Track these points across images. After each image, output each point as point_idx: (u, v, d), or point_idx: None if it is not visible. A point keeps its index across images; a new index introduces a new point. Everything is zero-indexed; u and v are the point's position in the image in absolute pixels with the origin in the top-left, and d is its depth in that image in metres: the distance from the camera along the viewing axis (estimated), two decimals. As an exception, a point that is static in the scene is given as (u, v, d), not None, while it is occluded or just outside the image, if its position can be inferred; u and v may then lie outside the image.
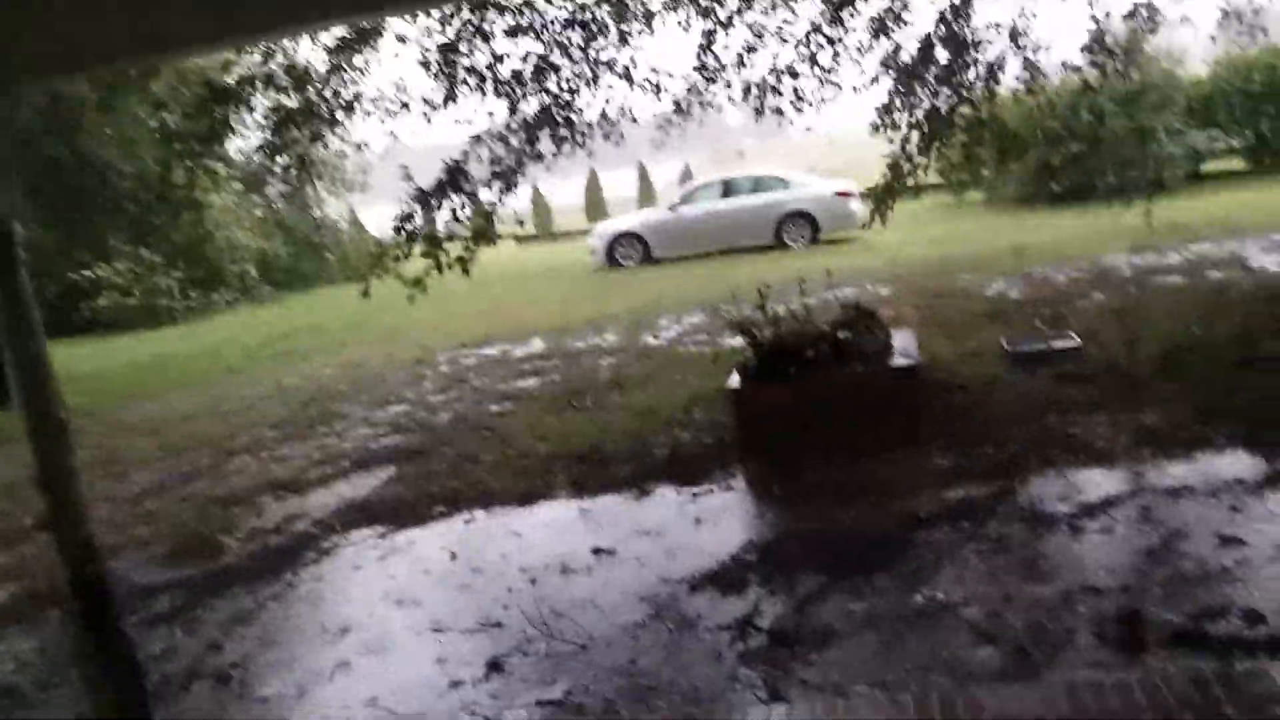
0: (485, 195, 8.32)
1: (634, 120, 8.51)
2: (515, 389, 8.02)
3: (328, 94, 8.21)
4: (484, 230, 8.12)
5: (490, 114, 8.19)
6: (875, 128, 8.68)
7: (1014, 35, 8.53)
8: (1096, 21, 8.57)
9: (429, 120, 8.18)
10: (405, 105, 8.25)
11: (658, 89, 8.37)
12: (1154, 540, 3.84)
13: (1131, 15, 8.78)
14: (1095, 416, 5.29)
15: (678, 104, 8.84)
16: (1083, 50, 8.67)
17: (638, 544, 4.58)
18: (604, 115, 8.63)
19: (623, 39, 8.28)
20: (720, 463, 5.47)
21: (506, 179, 8.08)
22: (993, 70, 8.60)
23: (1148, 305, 7.51)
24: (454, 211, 7.86)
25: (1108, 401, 5.49)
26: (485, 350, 9.93)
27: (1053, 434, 5.15)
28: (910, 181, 8.71)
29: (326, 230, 22.15)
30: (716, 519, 4.78)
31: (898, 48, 8.64)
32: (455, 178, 7.86)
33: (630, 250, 17.46)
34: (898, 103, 8.61)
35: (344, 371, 9.95)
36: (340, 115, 8.40)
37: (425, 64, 8.01)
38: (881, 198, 8.81)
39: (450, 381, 8.71)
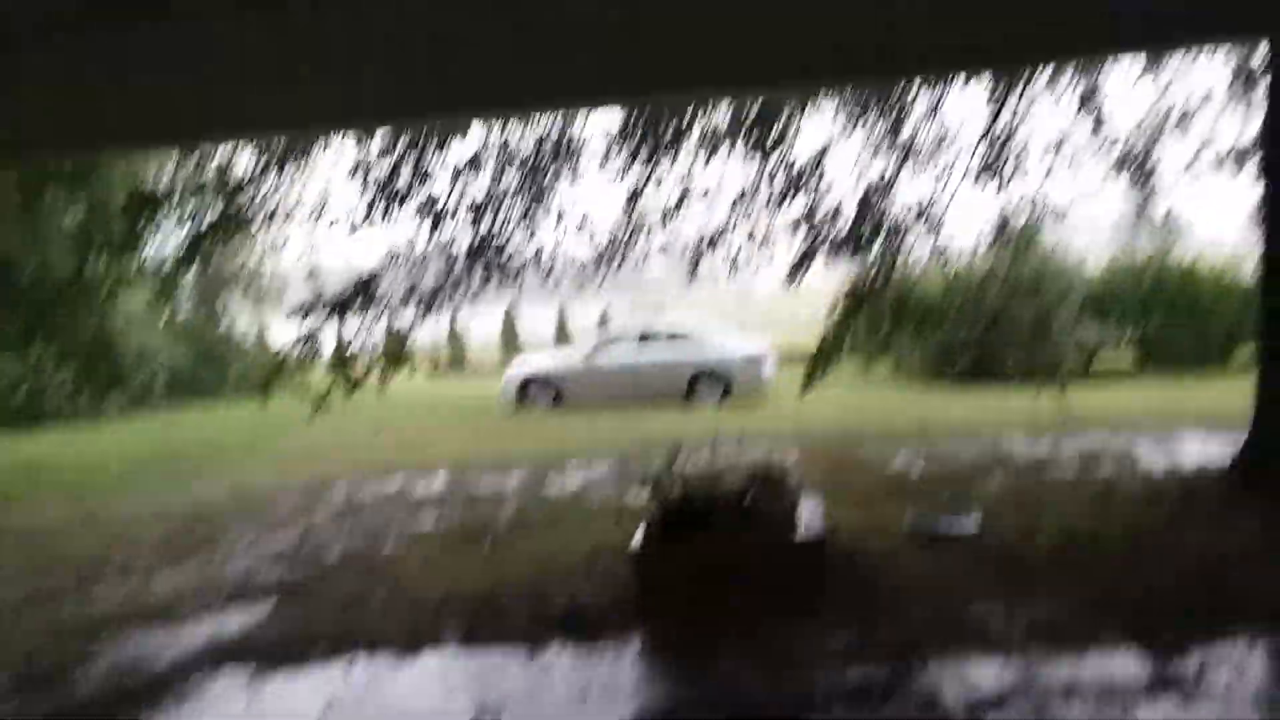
0: (401, 320, 8.28)
1: (564, 264, 8.65)
2: (413, 527, 7.76)
3: (252, 203, 8.17)
4: (396, 354, 8.04)
5: (413, 241, 8.24)
6: (788, 285, 8.97)
7: (927, 217, 9.00)
8: (1004, 213, 9.11)
9: (354, 237, 8.19)
10: (331, 222, 8.26)
11: (588, 235, 8.54)
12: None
13: (1038, 210, 9.34)
14: (992, 602, 5.30)
15: (604, 252, 9.03)
16: (990, 237, 9.19)
17: (523, 705, 4.38)
18: (536, 255, 8.76)
19: (557, 183, 8.48)
20: (618, 622, 5.31)
21: (425, 306, 8.06)
22: (908, 249, 9.02)
23: (1044, 492, 7.69)
24: (364, 332, 7.77)
25: (1004, 587, 5.52)
26: (385, 482, 9.65)
27: (952, 617, 5.14)
28: (831, 346, 8.97)
29: (234, 342, 21.67)
30: (608, 684, 4.61)
31: (812, 212, 9.03)
32: (365, 295, 7.80)
33: (543, 392, 17.42)
34: (811, 262, 8.95)
35: (233, 493, 9.54)
36: (261, 225, 8.36)
37: (357, 181, 8.06)
38: (814, 368, 9.03)
39: (345, 512, 8.41)
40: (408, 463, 10.58)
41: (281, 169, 8.09)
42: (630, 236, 9.12)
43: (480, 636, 5.25)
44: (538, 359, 19.89)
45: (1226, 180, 9.95)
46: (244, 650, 5.23)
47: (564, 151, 8.42)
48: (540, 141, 8.40)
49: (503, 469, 10.00)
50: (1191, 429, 10.26)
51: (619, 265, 9.18)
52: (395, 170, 8.13)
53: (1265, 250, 7.39)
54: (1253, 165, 9.26)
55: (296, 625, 5.59)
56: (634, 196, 8.96)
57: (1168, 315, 18.45)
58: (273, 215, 8.25)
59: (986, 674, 4.47)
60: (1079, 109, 9.40)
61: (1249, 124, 9.09)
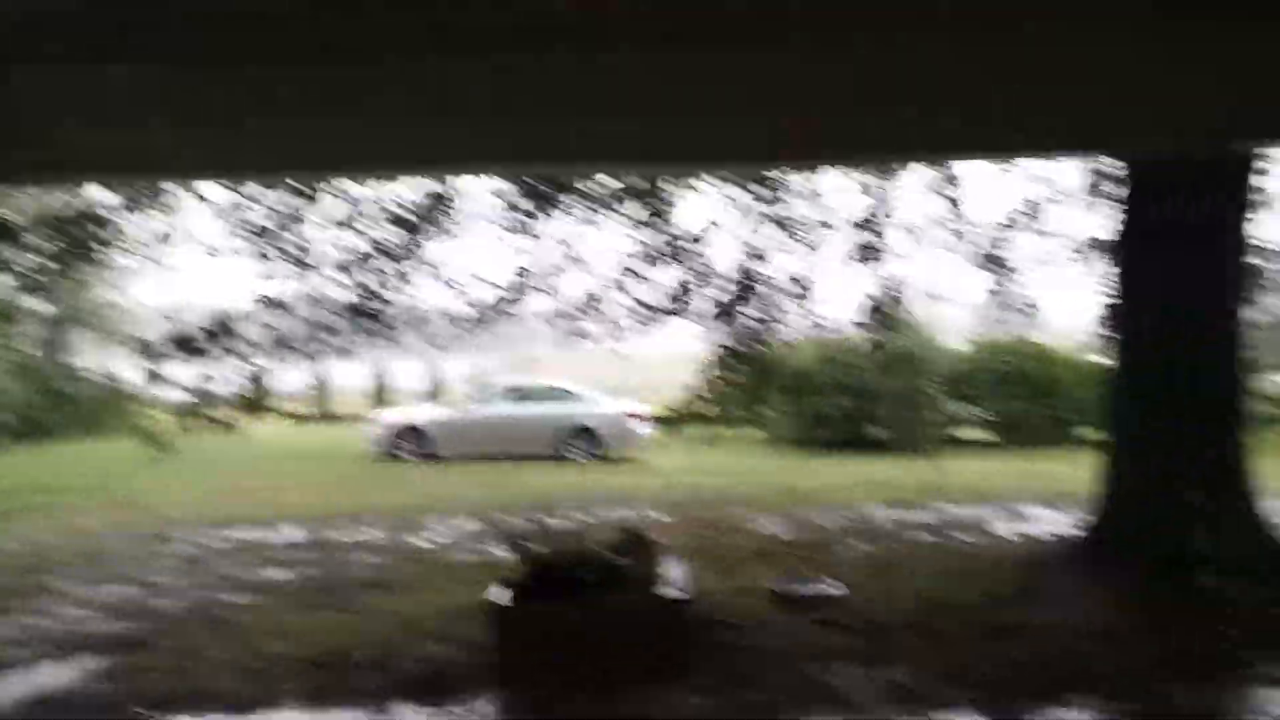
0: (263, 366, 8.00)
1: (439, 320, 8.53)
2: (261, 580, 7.39)
3: (104, 237, 7.81)
4: (254, 400, 7.74)
5: (283, 288, 8.01)
6: (664, 350, 9.07)
7: (802, 290, 9.23)
8: (875, 290, 9.41)
9: (218, 279, 7.91)
10: (191, 262, 7.97)
11: (465, 292, 8.45)
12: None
13: (907, 290, 9.69)
14: (852, 667, 5.34)
15: (481, 309, 8.95)
16: (862, 313, 9.48)
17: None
18: (411, 310, 8.61)
19: (433, 239, 8.38)
20: (473, 684, 5.13)
21: (289, 353, 7.81)
22: (782, 320, 9.22)
23: (904, 560, 7.85)
24: (220, 375, 7.47)
25: (864, 653, 5.57)
26: (234, 532, 9.19)
27: (811, 682, 5.15)
28: (699, 408, 9.05)
29: (80, 381, 20.50)
30: (462, 748, 4.43)
31: (690, 281, 9.17)
32: (222, 337, 7.51)
33: (412, 444, 17.03)
34: (688, 327, 9.07)
35: (68, 540, 8.93)
36: (113, 261, 8.01)
37: (223, 222, 7.81)
38: (677, 421, 9.09)
39: (188, 563, 7.95)
40: (262, 512, 10.12)
41: (139, 205, 7.77)
42: (508, 296, 9.08)
43: (326, 697, 4.98)
44: (410, 410, 19.49)
45: (1080, 270, 10.56)
46: (69, 707, 4.84)
47: (441, 209, 8.34)
48: (418, 199, 8.31)
49: (364, 522, 9.66)
50: (1042, 503, 10.69)
51: (495, 323, 9.10)
52: (265, 216, 7.93)
53: (1115, 343, 7.82)
54: (1104, 260, 9.86)
55: (128, 682, 5.20)
56: (513, 257, 8.95)
57: (1023, 394, 19.35)
58: (127, 251, 7.91)
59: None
60: (945, 197, 9.87)
61: (1105, 220, 9.67)
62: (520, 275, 8.92)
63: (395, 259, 8.27)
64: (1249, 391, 7.70)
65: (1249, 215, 7.52)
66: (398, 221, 8.17)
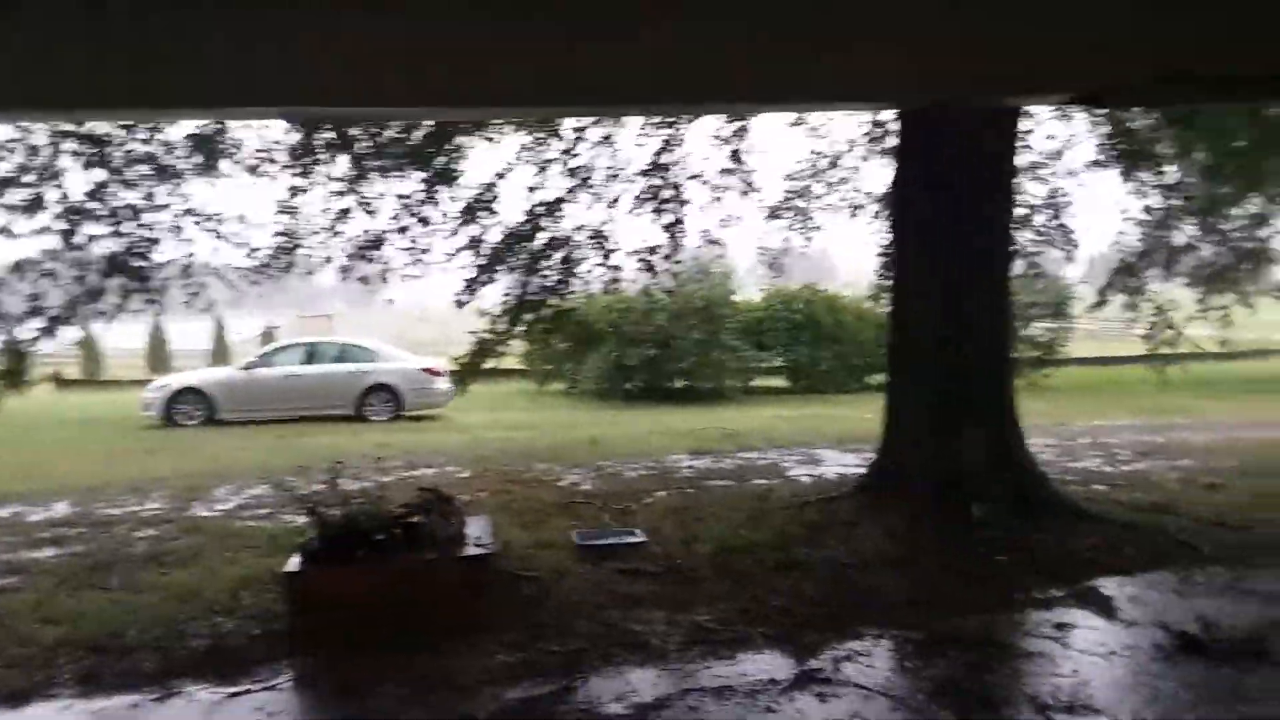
0: (22, 332, 7.31)
1: (219, 276, 8.00)
2: (25, 560, 6.78)
3: None
4: (14, 369, 7.07)
5: (41, 248, 7.30)
6: (459, 304, 8.91)
7: (599, 242, 9.23)
8: (673, 242, 9.53)
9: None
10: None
11: (243, 244, 7.95)
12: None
13: (703, 241, 9.87)
14: (654, 612, 5.45)
15: (264, 262, 8.48)
16: (660, 265, 9.58)
17: (153, 755, 3.91)
18: (186, 267, 8.04)
19: (208, 192, 7.84)
20: (268, 656, 4.90)
21: (52, 319, 7.16)
22: (574, 268, 9.20)
23: (703, 505, 8.06)
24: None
25: (665, 598, 5.70)
26: (-6, 509, 8.42)
27: (614, 629, 5.21)
28: (493, 361, 8.93)
29: None
30: (254, 724, 4.22)
31: (483, 233, 9.01)
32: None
33: (193, 408, 16.07)
34: (483, 281, 8.92)
35: None
36: None
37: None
38: (467, 371, 8.95)
39: (-61, 546, 7.21)
40: (26, 486, 9.31)
41: None
42: (292, 249, 8.62)
43: (103, 683, 4.63)
44: (191, 373, 18.39)
45: (866, 221, 11.08)
46: None
47: (216, 157, 7.80)
48: (189, 145, 7.72)
49: (139, 492, 9.04)
50: (834, 446, 11.26)
51: (278, 278, 8.64)
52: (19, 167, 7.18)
53: (893, 291, 8.24)
54: (885, 212, 10.37)
55: None
56: (295, 208, 8.49)
57: (815, 342, 20.25)
58: None
59: (647, 681, 4.56)
60: (737, 149, 10.09)
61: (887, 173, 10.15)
62: (303, 226, 8.49)
63: (161, 209, 7.67)
64: (1015, 336, 8.32)
65: (1016, 167, 8.07)
66: (161, 169, 7.57)
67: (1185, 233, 11.59)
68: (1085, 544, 6.64)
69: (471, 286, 9.01)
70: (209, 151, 7.75)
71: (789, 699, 4.34)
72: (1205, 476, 9.05)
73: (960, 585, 5.91)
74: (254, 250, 8.23)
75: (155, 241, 7.72)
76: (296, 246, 8.57)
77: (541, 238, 9.13)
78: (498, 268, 9.11)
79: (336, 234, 8.70)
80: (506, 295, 9.12)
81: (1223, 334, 12.44)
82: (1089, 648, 4.90)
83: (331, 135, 8.10)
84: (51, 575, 6.37)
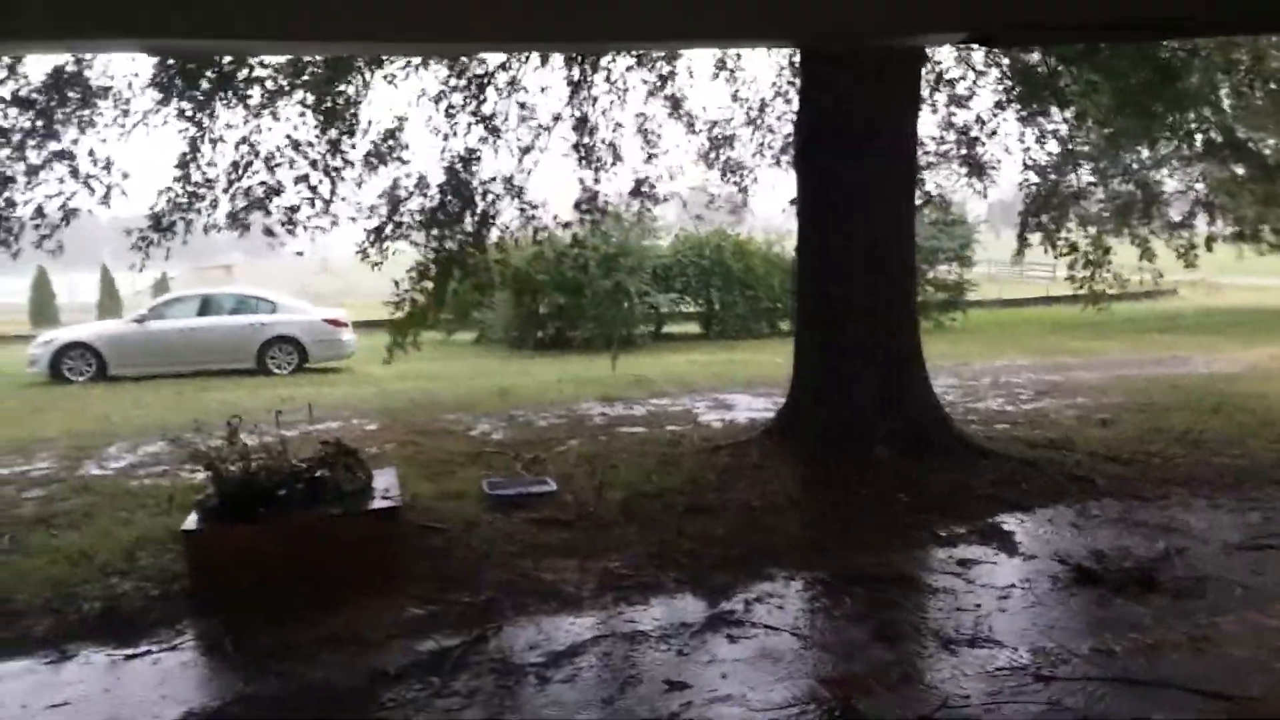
0: None
1: (98, 224, 7.58)
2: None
3: None
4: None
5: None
6: (363, 255, 8.68)
7: (511, 189, 9.06)
8: (584, 188, 9.40)
9: None
10: None
11: (122, 192, 7.55)
12: (612, 688, 3.95)
13: (615, 186, 9.75)
14: (565, 560, 5.44)
15: (155, 213, 8.09)
16: (571, 211, 9.46)
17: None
18: (64, 215, 7.61)
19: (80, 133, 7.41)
20: (166, 617, 4.74)
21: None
22: (491, 220, 9.03)
23: (615, 452, 8.06)
24: None
25: (577, 545, 5.69)
26: None
27: (526, 578, 5.19)
28: (411, 315, 8.74)
29: None
30: (152, 687, 4.08)
31: (391, 183, 8.76)
32: None
33: (81, 363, 15.41)
34: (390, 234, 8.70)
35: None
36: None
37: None
38: (399, 334, 8.76)
39: None
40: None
41: None
42: (182, 196, 8.23)
43: (-8, 649, 4.43)
44: (78, 327, 17.64)
45: (777, 166, 11.08)
46: None
47: (87, 96, 7.36)
48: (57, 83, 7.27)
49: (26, 453, 8.64)
50: (745, 390, 11.35)
51: (169, 227, 8.24)
52: None
53: (799, 234, 8.27)
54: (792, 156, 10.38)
55: None
56: (187, 153, 8.10)
57: (726, 287, 20.33)
58: None
59: (560, 628, 4.55)
60: (656, 94, 9.99)
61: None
62: (192, 170, 8.11)
63: (19, 150, 7.23)
64: (920, 278, 8.45)
65: (918, 110, 8.11)
66: (20, 103, 7.11)
67: (1083, 175, 11.88)
68: (986, 481, 6.83)
69: (378, 238, 8.78)
70: (77, 91, 7.31)
71: (700, 641, 4.39)
72: (1099, 413, 9.39)
73: (865, 525, 6.03)
74: (141, 199, 7.84)
75: (9, 181, 7.29)
76: (188, 196, 8.19)
77: (453, 184, 8.91)
78: (403, 218, 8.89)
79: (231, 181, 8.34)
80: (418, 243, 8.91)
81: (1118, 275, 12.87)
82: (990, 582, 5.06)
83: (211, 73, 7.70)
84: (-70, 541, 6.06)
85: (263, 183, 8.37)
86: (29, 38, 2.32)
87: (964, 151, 10.63)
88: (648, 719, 3.68)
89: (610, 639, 4.44)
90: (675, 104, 10.13)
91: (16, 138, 7.29)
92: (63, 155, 7.40)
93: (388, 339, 9.15)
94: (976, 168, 10.68)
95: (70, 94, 7.33)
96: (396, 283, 8.82)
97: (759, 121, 11.00)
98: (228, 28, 1.98)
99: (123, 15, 1.86)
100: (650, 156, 10.00)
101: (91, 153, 7.55)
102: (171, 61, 7.36)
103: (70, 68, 7.34)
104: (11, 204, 7.37)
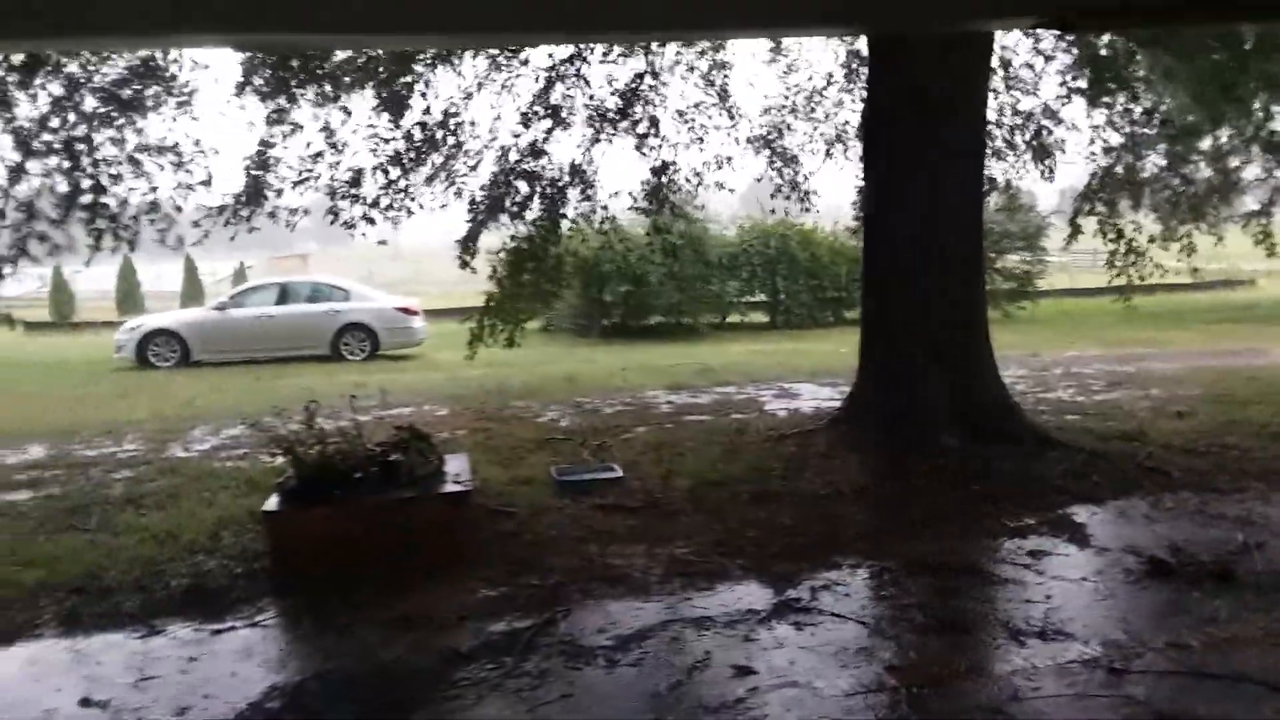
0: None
1: (178, 210, 7.83)
2: (0, 503, 6.76)
3: None
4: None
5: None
6: (463, 264, 8.84)
7: (578, 178, 9.14)
8: (649, 176, 9.45)
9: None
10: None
11: (213, 183, 7.78)
12: (680, 672, 4.00)
13: (680, 175, 9.78)
14: (632, 546, 5.50)
15: (237, 199, 8.33)
16: (636, 200, 9.51)
17: (138, 693, 3.92)
18: (152, 205, 7.87)
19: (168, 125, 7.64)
20: (249, 595, 4.92)
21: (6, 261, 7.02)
22: (554, 206, 9.13)
23: (680, 440, 8.10)
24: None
25: (644, 532, 5.75)
26: (-36, 455, 8.35)
27: (594, 563, 5.27)
28: (482, 302, 8.88)
29: None
30: (238, 661, 4.24)
31: (464, 171, 8.89)
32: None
33: (166, 350, 15.93)
34: (479, 226, 8.84)
35: None
36: None
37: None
38: (454, 313, 8.92)
39: (-90, 492, 7.16)
40: (-4, 430, 9.25)
41: None
42: (261, 185, 8.46)
43: (83, 624, 4.64)
44: (163, 315, 18.22)
45: (843, 154, 11.01)
46: None
47: (173, 89, 7.59)
48: (143, 75, 7.50)
49: (116, 435, 8.98)
50: (810, 379, 11.32)
51: (249, 216, 8.48)
52: None
53: (865, 223, 8.20)
54: (858, 143, 10.30)
55: None
56: (266, 143, 8.32)
57: (791, 276, 20.21)
58: None
59: (628, 613, 4.61)
60: (713, 84, 9.98)
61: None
62: (271, 160, 8.32)
63: (119, 143, 7.48)
64: (989, 267, 8.33)
65: (986, 94, 7.98)
66: (112, 99, 7.36)
67: (1155, 161, 11.58)
68: (1057, 472, 6.73)
69: (450, 223, 8.96)
70: (161, 82, 7.54)
71: (768, 628, 4.41)
72: (1174, 405, 9.18)
73: (933, 515, 5.99)
74: (226, 191, 8.07)
75: (117, 178, 7.54)
76: (268, 185, 8.42)
77: (520, 173, 9.03)
78: (477, 203, 9.03)
79: (311, 173, 8.55)
80: (487, 231, 9.06)
81: (1191, 264, 12.49)
82: (1061, 574, 5.00)
83: (293, 65, 7.90)
84: (28, 518, 6.35)
85: (348, 171, 8.57)
86: (110, 33, 2.41)
87: (1030, 137, 10.45)
88: (716, 703, 3.73)
89: (677, 624, 4.48)
90: (723, 96, 10.11)
91: (110, 131, 7.53)
92: (164, 150, 7.62)
93: (468, 335, 9.33)
94: (1042, 151, 10.48)
95: (155, 85, 7.55)
96: (471, 267, 8.97)
97: (817, 109, 10.95)
98: (309, 22, 2.05)
99: (204, 10, 1.93)
100: (710, 146, 10.02)
101: (198, 143, 7.81)
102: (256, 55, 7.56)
103: (155, 58, 7.57)
104: (119, 199, 7.61)
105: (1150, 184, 11.56)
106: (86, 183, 7.41)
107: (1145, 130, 10.68)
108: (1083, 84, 9.82)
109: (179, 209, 7.86)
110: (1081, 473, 6.74)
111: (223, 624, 4.61)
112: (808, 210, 11.11)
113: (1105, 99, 9.93)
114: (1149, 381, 10.83)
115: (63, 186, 7.38)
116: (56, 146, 7.33)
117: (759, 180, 11.39)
